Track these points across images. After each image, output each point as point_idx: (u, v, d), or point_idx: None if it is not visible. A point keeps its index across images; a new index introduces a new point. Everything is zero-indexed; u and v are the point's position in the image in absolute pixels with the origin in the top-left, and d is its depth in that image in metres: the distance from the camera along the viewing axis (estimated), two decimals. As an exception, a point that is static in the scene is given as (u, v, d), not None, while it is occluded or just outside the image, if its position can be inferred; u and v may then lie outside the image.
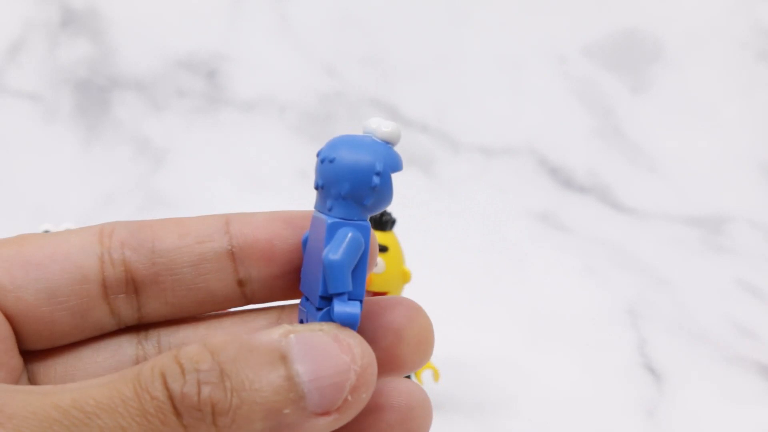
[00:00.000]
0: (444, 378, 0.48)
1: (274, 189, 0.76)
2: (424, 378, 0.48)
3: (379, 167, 0.20)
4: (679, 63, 0.81)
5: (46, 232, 0.44)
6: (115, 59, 0.81)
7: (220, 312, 0.23)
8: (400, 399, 0.20)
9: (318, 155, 0.21)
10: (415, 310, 0.21)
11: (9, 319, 0.20)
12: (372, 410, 0.19)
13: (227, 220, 0.22)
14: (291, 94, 0.81)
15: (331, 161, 0.20)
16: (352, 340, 0.18)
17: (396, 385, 0.20)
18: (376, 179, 0.20)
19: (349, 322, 0.19)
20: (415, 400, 0.21)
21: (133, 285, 0.21)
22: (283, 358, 0.17)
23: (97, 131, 0.80)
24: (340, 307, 0.19)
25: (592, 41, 0.82)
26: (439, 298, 0.55)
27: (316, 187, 0.20)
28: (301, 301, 0.21)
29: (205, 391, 0.17)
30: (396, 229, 0.46)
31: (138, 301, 0.22)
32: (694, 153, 0.78)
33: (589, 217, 0.74)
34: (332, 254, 0.19)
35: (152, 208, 0.75)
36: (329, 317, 0.19)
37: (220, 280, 0.22)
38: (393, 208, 0.46)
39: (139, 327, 0.23)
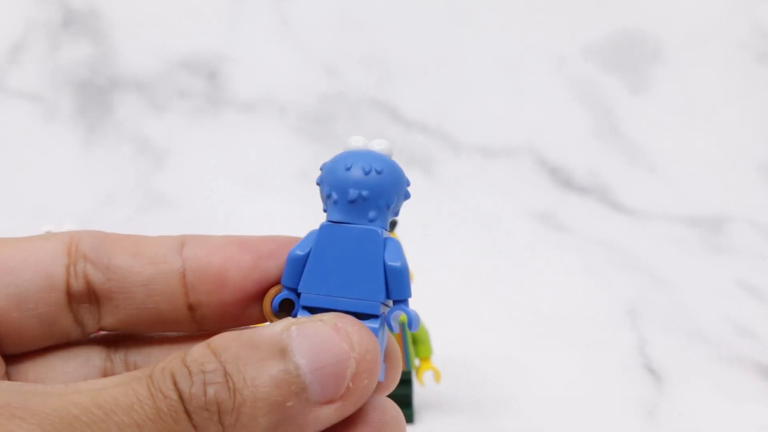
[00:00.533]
0: (444, 377, 0.48)
1: (274, 189, 0.76)
2: (426, 378, 0.48)
3: (407, 179, 0.21)
4: (679, 63, 0.81)
5: (48, 233, 0.44)
6: (116, 60, 0.81)
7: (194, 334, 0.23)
8: (373, 415, 0.20)
9: (344, 167, 0.21)
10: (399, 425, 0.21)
11: None
12: (345, 425, 0.19)
13: (183, 241, 0.22)
14: (291, 95, 0.81)
15: (379, 172, 0.21)
16: (351, 328, 0.19)
17: (371, 401, 0.20)
18: (408, 191, 0.21)
19: (418, 322, 0.20)
20: (389, 417, 0.21)
21: (94, 297, 0.22)
22: (284, 352, 0.18)
23: (97, 131, 0.80)
24: (411, 309, 0.20)
25: (591, 42, 0.82)
26: (440, 298, 0.55)
27: (351, 200, 0.21)
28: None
29: (211, 391, 0.17)
30: (396, 229, 0.46)
31: (98, 313, 0.22)
32: (693, 153, 0.78)
33: (588, 217, 0.74)
34: (399, 262, 0.20)
35: (152, 208, 0.75)
36: (387, 323, 0.20)
37: (169, 302, 0.21)
38: (393, 209, 0.46)
39: (109, 340, 0.23)
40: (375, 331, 0.20)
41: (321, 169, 0.21)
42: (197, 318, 0.22)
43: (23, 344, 0.21)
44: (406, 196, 0.21)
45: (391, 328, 0.20)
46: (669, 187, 0.76)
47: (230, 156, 0.79)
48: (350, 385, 0.18)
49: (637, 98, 0.81)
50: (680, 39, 0.82)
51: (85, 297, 0.21)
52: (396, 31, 0.83)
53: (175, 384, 0.17)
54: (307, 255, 0.21)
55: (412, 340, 0.47)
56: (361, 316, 0.20)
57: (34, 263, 0.21)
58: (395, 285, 0.20)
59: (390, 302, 0.21)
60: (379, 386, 0.20)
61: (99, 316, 0.22)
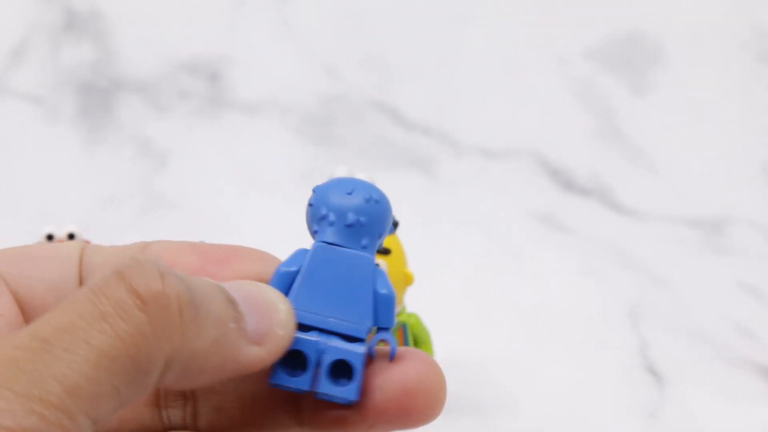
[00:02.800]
0: (446, 378, 0.48)
1: (275, 190, 0.76)
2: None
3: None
4: (680, 64, 0.81)
5: (50, 235, 0.44)
6: (118, 61, 0.82)
7: None
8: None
9: (345, 191, 0.21)
10: (430, 365, 0.21)
11: (20, 307, 0.21)
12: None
13: (148, 245, 0.22)
14: (293, 97, 0.81)
15: (377, 202, 0.21)
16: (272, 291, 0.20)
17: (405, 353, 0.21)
18: (392, 224, 0.22)
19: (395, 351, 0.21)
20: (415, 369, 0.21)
21: None
22: (223, 290, 0.18)
23: (99, 133, 0.80)
24: (394, 342, 0.21)
25: (592, 43, 0.82)
26: (441, 300, 0.55)
27: (349, 224, 0.21)
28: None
29: (171, 281, 0.17)
30: (398, 231, 0.46)
31: None
32: (694, 154, 0.78)
33: (590, 219, 0.74)
34: (388, 291, 0.21)
35: (154, 210, 0.75)
36: (370, 348, 0.20)
37: None
38: (395, 211, 0.46)
39: None
40: (360, 355, 0.20)
41: (314, 191, 0.22)
42: None
43: None
44: (391, 230, 0.22)
45: (370, 354, 0.20)
46: (670, 188, 0.76)
47: (232, 157, 0.79)
48: (279, 332, 0.19)
49: (639, 99, 0.81)
50: (681, 40, 0.82)
51: None
52: (397, 33, 0.83)
53: (125, 279, 0.16)
54: (296, 272, 0.21)
55: (413, 341, 0.47)
56: (348, 338, 0.20)
57: (64, 255, 0.21)
58: (383, 312, 0.21)
59: (374, 329, 0.21)
60: (411, 421, 0.21)
61: None
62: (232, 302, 0.18)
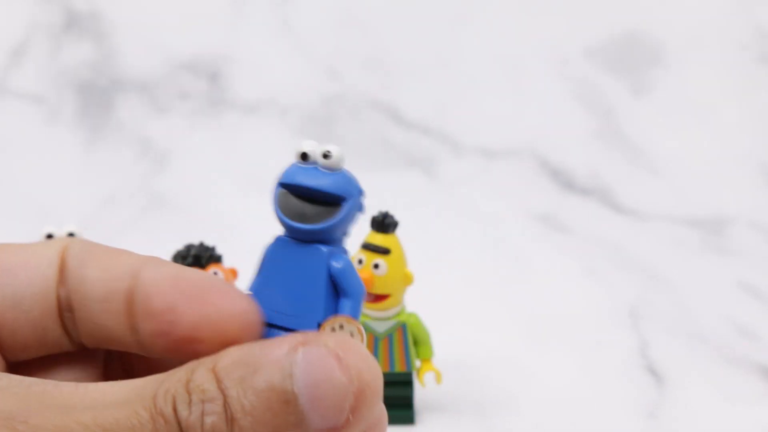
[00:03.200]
0: (445, 378, 0.48)
1: (276, 190, 0.76)
2: (427, 379, 0.48)
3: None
4: (680, 65, 0.81)
5: (49, 235, 0.44)
6: (118, 61, 0.82)
7: None
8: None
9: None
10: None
11: None
12: None
13: (147, 261, 0.21)
14: (293, 96, 0.81)
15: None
16: (353, 358, 0.18)
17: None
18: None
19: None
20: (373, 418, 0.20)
21: (69, 306, 0.21)
22: (285, 380, 0.17)
23: (99, 133, 0.80)
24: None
25: (593, 43, 0.82)
26: (441, 300, 0.55)
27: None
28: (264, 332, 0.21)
29: (208, 421, 0.17)
30: (398, 231, 0.46)
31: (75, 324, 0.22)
32: (694, 154, 0.78)
33: (590, 219, 0.74)
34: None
35: (154, 210, 0.75)
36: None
37: (117, 322, 0.21)
38: (395, 211, 0.46)
39: (112, 360, 0.22)
40: None
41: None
42: (139, 342, 0.21)
43: (18, 349, 0.21)
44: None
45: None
46: (670, 188, 0.76)
47: (232, 157, 0.79)
48: (350, 417, 0.18)
49: (639, 100, 0.81)
50: (681, 41, 0.82)
51: (66, 306, 0.21)
52: (397, 33, 0.83)
53: (175, 409, 0.17)
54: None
55: (413, 341, 0.47)
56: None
57: (30, 266, 0.21)
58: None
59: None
60: None
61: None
62: (289, 406, 0.17)
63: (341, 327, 0.20)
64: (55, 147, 0.79)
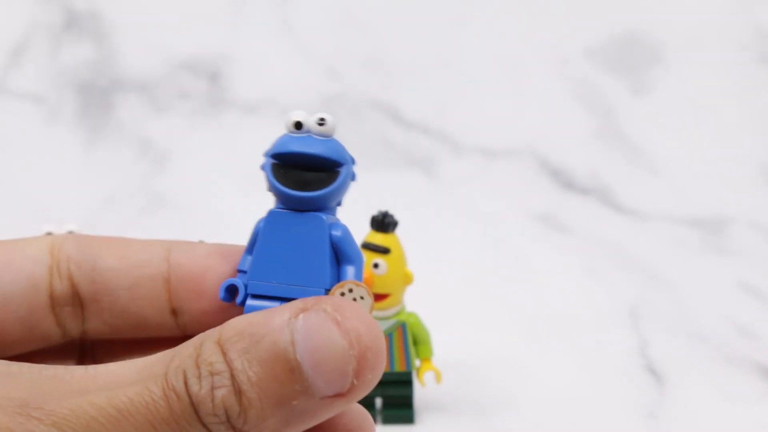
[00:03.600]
0: (445, 378, 0.48)
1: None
2: (426, 379, 0.48)
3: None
4: (680, 65, 0.81)
5: (49, 233, 0.44)
6: (118, 61, 0.82)
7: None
8: (338, 421, 0.20)
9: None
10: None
11: None
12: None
13: (170, 247, 0.22)
14: (293, 96, 0.81)
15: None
16: (351, 323, 0.18)
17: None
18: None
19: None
20: (356, 423, 0.20)
21: (78, 299, 0.22)
22: (287, 349, 0.18)
23: (99, 133, 0.80)
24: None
25: (593, 43, 0.82)
26: (441, 300, 0.55)
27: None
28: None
29: (218, 395, 0.17)
30: (397, 231, 0.46)
31: (82, 316, 0.22)
32: (694, 154, 0.78)
33: (590, 219, 0.74)
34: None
35: (154, 210, 0.75)
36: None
37: (154, 307, 0.22)
38: (395, 210, 0.46)
39: (85, 352, 0.23)
40: None
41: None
42: (180, 324, 0.22)
43: (5, 346, 0.21)
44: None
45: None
46: (670, 188, 0.76)
47: (232, 157, 0.79)
48: (354, 381, 0.18)
49: (639, 100, 0.81)
50: (681, 40, 0.82)
51: (68, 300, 0.21)
52: (397, 33, 0.83)
53: (186, 385, 0.17)
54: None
55: (413, 340, 0.47)
56: None
57: (17, 266, 0.21)
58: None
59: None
60: None
61: (83, 320, 0.22)
62: (294, 374, 0.18)
63: (350, 291, 0.20)
64: (55, 147, 0.79)
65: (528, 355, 0.54)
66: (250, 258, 0.21)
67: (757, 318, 0.59)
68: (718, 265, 0.68)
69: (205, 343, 0.18)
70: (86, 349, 0.23)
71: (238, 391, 0.17)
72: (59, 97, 0.81)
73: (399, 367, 0.46)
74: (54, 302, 0.21)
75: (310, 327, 0.18)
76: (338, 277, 0.21)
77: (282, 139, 0.21)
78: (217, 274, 0.21)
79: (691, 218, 0.73)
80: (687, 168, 0.77)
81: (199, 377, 0.17)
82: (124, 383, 0.17)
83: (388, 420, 0.47)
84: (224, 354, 0.18)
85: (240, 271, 0.21)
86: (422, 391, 0.48)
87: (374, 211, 0.46)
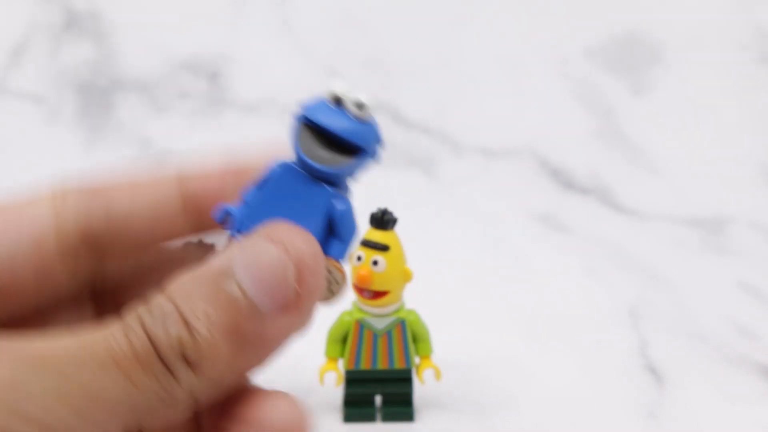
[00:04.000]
0: (445, 377, 0.48)
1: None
2: (426, 377, 0.48)
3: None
4: (680, 65, 0.81)
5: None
6: (118, 61, 0.82)
7: None
8: (253, 413, 0.20)
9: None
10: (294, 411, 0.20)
11: None
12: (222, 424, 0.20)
13: (180, 176, 0.22)
14: (293, 96, 0.81)
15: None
16: (283, 234, 0.19)
17: (275, 401, 0.20)
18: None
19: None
20: (274, 418, 0.20)
21: (89, 247, 0.22)
22: (227, 276, 0.18)
23: (99, 133, 0.80)
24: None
25: (593, 43, 0.82)
26: (441, 298, 0.55)
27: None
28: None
29: (172, 331, 0.18)
30: (397, 228, 0.46)
31: (96, 260, 0.22)
32: (694, 154, 0.78)
33: (589, 218, 0.74)
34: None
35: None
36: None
37: (176, 237, 0.22)
38: (394, 208, 0.46)
39: (102, 304, 0.23)
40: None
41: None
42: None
43: (16, 303, 0.21)
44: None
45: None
46: (670, 188, 0.76)
47: (232, 157, 0.79)
48: (297, 288, 0.18)
49: (639, 99, 0.81)
50: (681, 40, 0.82)
51: (79, 249, 0.21)
52: (397, 33, 0.83)
53: (143, 326, 0.18)
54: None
55: (412, 338, 0.47)
56: None
57: (19, 221, 0.21)
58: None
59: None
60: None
61: (100, 263, 0.22)
62: (236, 295, 0.18)
63: (329, 272, 0.20)
64: (55, 147, 0.79)
65: (528, 355, 0.54)
66: (254, 191, 0.21)
67: (757, 318, 0.59)
68: (718, 265, 0.68)
69: (155, 295, 0.18)
70: (101, 300, 0.23)
71: (187, 325, 0.18)
72: (59, 97, 0.81)
73: (398, 364, 0.46)
74: (63, 255, 0.21)
75: (245, 249, 0.18)
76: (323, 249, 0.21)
77: (318, 105, 0.21)
78: (233, 195, 0.22)
79: (691, 218, 0.73)
80: (687, 168, 0.77)
81: (153, 318, 0.18)
82: (88, 331, 0.18)
83: (388, 417, 0.47)
84: (172, 300, 0.18)
85: (243, 199, 0.21)
86: (422, 389, 0.48)
87: (374, 211, 0.46)
